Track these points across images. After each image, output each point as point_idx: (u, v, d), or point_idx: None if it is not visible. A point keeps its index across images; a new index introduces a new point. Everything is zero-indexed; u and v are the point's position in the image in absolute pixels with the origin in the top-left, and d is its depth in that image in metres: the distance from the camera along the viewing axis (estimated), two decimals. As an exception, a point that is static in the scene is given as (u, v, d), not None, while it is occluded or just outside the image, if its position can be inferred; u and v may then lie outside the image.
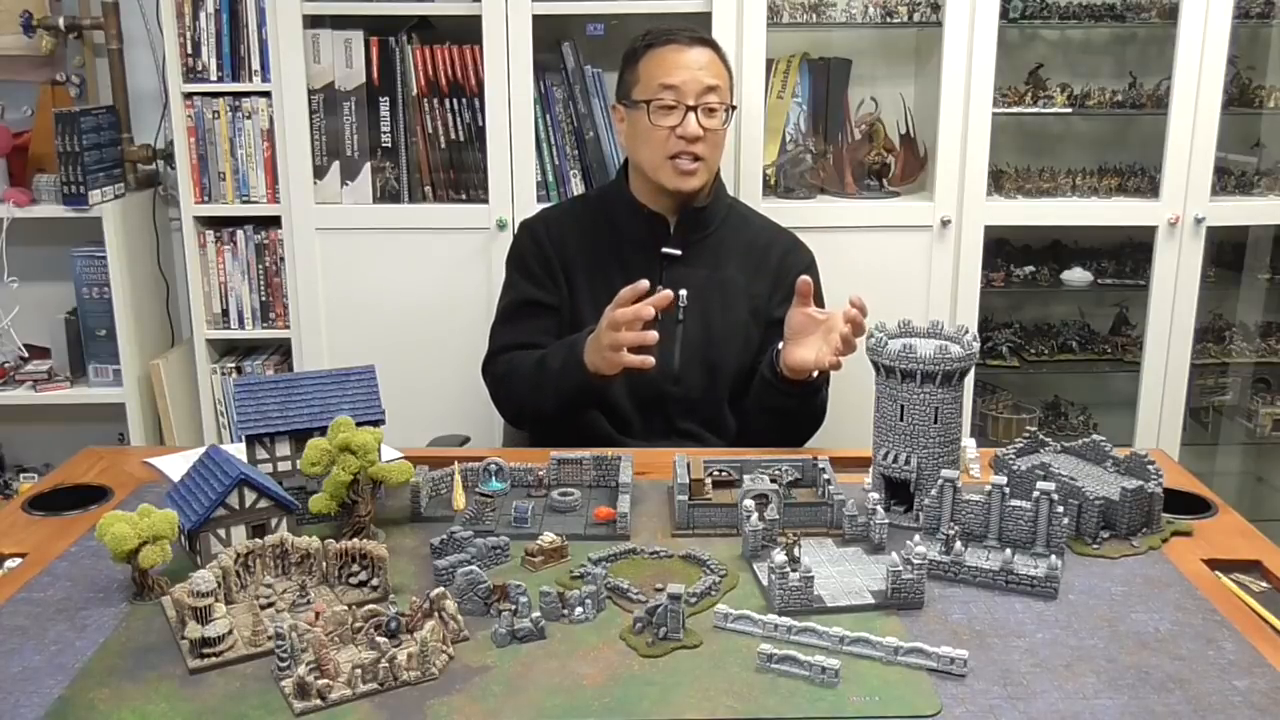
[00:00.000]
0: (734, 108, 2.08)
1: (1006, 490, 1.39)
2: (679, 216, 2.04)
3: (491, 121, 2.48)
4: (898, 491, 1.51)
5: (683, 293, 1.99)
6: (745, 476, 1.51)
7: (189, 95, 2.58)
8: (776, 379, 1.85)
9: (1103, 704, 1.08)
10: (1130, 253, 2.80)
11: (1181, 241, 2.59)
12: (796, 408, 1.89)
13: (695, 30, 2.04)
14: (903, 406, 1.47)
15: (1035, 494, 1.37)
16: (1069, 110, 2.69)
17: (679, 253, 2.02)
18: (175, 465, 1.67)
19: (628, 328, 1.72)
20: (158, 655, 1.16)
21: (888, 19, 2.61)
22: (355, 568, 1.29)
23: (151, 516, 1.25)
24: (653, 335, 1.72)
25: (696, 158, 1.95)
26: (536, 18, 2.43)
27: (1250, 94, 2.71)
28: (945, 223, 2.55)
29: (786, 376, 1.83)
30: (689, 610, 1.23)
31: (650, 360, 1.74)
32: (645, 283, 1.74)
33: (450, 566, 1.29)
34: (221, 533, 1.33)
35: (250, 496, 1.34)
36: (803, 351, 1.80)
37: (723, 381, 2.01)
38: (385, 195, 2.59)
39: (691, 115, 1.94)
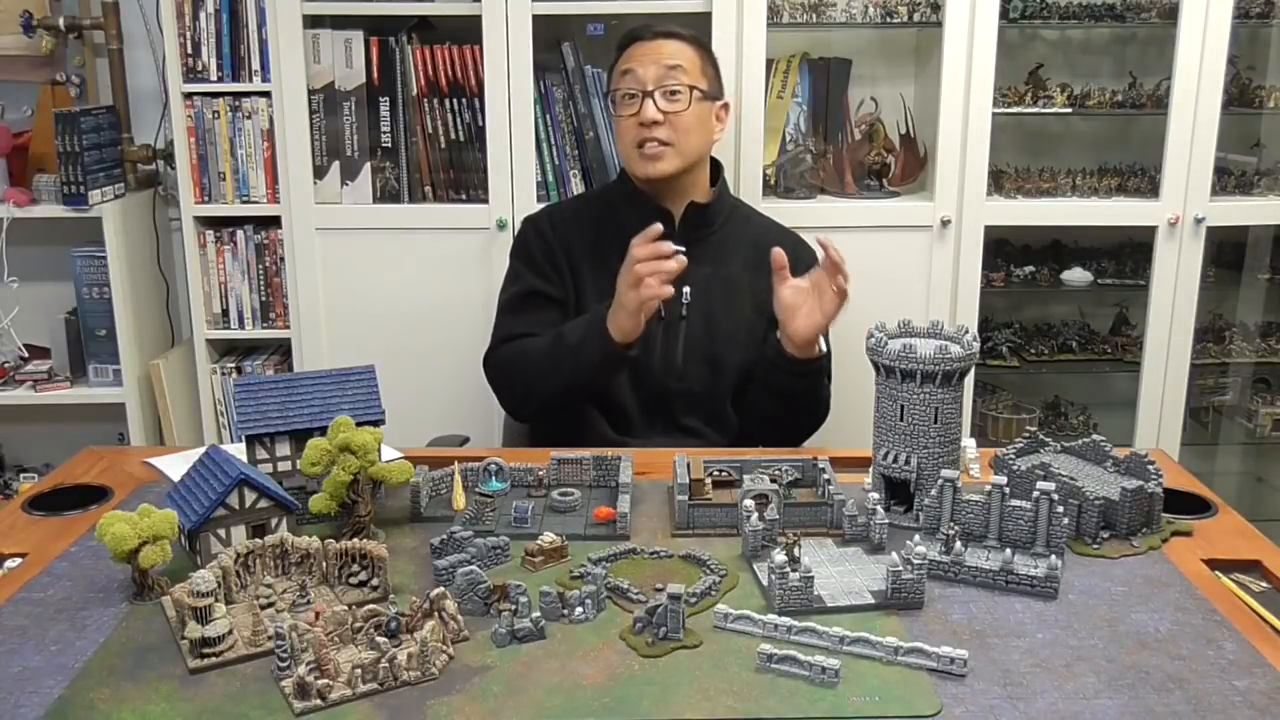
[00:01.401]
0: (722, 101, 2.06)
1: (1006, 490, 1.39)
2: (683, 213, 2.04)
3: (491, 121, 2.48)
4: (898, 491, 1.51)
5: (686, 289, 2.00)
6: (745, 476, 1.51)
7: (189, 95, 2.58)
8: (785, 361, 1.87)
9: (1103, 704, 1.08)
10: (1130, 253, 2.80)
11: (1181, 241, 2.59)
12: (806, 389, 1.91)
13: (670, 26, 2.03)
14: (903, 406, 1.47)
15: (1035, 494, 1.37)
16: (1069, 110, 2.69)
17: (683, 249, 2.02)
18: (175, 465, 1.67)
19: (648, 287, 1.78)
20: (158, 655, 1.16)
21: (888, 19, 2.61)
22: (355, 568, 1.29)
23: (151, 516, 1.25)
24: (669, 290, 1.78)
25: (662, 143, 1.96)
26: (536, 18, 2.43)
27: (1250, 94, 2.71)
28: (945, 223, 2.55)
29: (795, 356, 1.85)
30: (689, 610, 1.22)
31: (669, 290, 1.79)
32: (659, 227, 1.80)
33: (450, 566, 1.29)
34: (221, 533, 1.33)
35: (250, 496, 1.34)
36: (804, 321, 1.82)
37: (725, 377, 2.01)
38: (385, 195, 2.59)
39: (650, 101, 1.95)
